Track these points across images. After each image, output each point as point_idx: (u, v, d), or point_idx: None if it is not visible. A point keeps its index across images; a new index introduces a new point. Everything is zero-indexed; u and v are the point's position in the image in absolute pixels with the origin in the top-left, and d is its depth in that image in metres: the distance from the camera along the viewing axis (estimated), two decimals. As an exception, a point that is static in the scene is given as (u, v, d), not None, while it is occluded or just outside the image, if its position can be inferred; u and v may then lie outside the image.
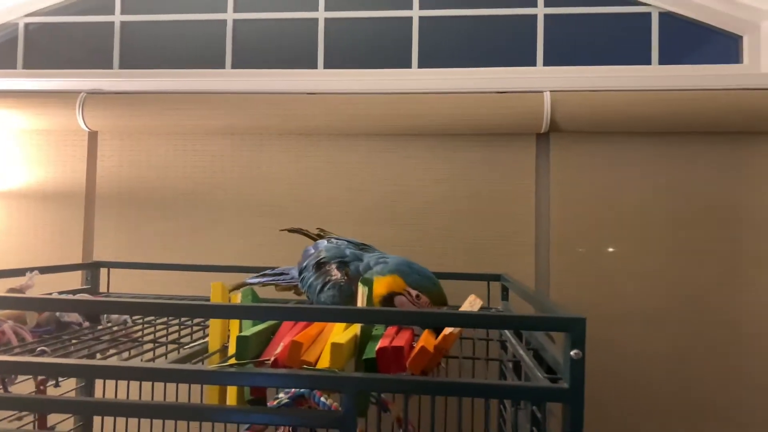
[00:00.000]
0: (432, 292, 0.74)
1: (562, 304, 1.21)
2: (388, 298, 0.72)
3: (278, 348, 0.64)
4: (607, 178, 1.24)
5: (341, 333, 0.65)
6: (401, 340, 0.62)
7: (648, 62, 1.30)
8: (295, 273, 0.94)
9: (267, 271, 1.02)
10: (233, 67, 1.40)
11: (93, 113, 1.30)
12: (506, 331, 0.88)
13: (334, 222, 1.27)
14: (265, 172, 1.31)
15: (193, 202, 1.32)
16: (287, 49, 1.40)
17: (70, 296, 0.85)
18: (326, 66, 1.37)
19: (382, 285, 0.71)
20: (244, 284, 0.99)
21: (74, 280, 1.25)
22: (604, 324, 1.21)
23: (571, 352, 0.53)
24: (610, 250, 1.23)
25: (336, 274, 0.79)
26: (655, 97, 1.19)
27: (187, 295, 1.18)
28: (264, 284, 0.99)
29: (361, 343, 0.65)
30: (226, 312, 0.59)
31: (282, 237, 1.27)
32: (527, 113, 1.21)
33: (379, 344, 0.60)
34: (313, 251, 0.87)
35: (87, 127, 1.32)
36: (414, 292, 0.73)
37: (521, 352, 0.73)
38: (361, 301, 0.67)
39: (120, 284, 1.21)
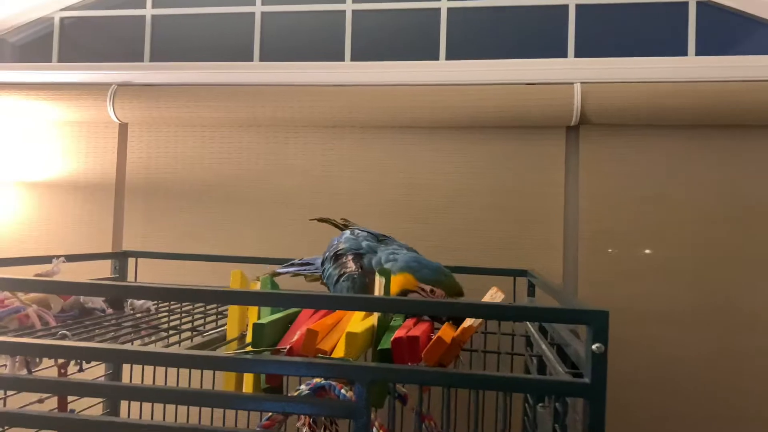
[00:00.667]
0: (445, 283, 0.72)
1: (588, 300, 1.18)
2: (400, 296, 0.71)
3: (294, 336, 0.63)
4: (639, 172, 1.20)
5: (358, 323, 0.64)
6: (417, 331, 0.61)
7: (684, 53, 1.25)
8: (319, 263, 0.94)
9: (294, 261, 1.03)
10: (261, 59, 1.40)
11: (123, 105, 1.32)
12: (530, 327, 0.86)
13: (357, 215, 1.27)
14: (290, 164, 1.31)
15: (219, 193, 1.33)
16: (314, 41, 1.40)
17: (93, 281, 0.86)
18: (353, 58, 1.37)
19: (393, 284, 0.70)
20: (275, 274, 1.01)
21: (104, 270, 1.27)
22: (634, 324, 1.18)
23: (593, 346, 0.51)
24: (641, 247, 1.19)
25: (351, 266, 0.79)
26: (690, 89, 1.15)
27: (210, 285, 1.19)
28: (293, 274, 1.00)
29: (377, 334, 0.64)
30: (242, 298, 0.59)
31: (306, 228, 1.28)
32: (557, 105, 1.18)
33: (395, 335, 0.59)
34: (335, 242, 0.88)
35: (117, 118, 1.34)
36: (427, 287, 0.71)
37: (543, 347, 0.71)
38: (378, 291, 0.66)
39: (147, 274, 1.23)
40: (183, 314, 0.91)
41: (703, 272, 1.17)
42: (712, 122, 1.17)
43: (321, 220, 1.00)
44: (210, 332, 0.73)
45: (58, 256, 0.89)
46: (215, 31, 1.44)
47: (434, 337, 0.59)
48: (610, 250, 1.19)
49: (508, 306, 0.52)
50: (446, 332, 0.61)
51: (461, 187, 1.25)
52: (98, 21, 1.49)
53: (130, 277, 1.22)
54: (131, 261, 1.22)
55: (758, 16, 1.23)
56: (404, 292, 0.70)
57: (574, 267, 1.22)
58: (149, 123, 1.36)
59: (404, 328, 0.62)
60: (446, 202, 1.25)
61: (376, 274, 0.67)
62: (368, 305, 0.55)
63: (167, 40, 1.46)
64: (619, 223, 1.20)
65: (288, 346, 0.60)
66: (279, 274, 1.01)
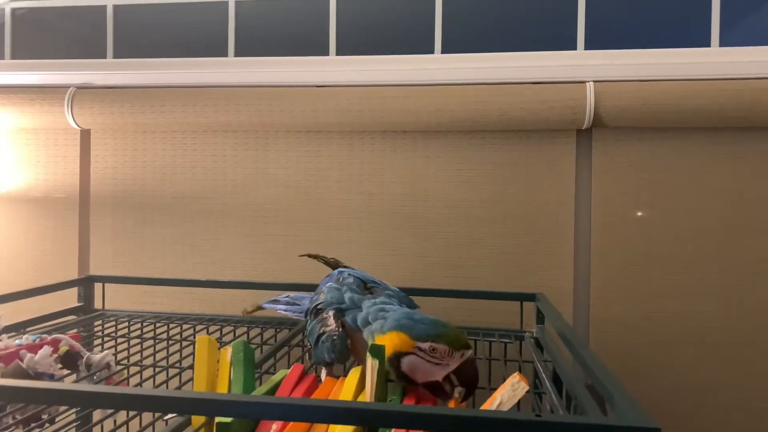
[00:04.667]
0: (446, 335, 0.60)
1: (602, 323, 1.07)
2: (394, 360, 0.59)
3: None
4: (658, 180, 1.09)
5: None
6: None
7: (707, 44, 1.13)
8: (306, 305, 0.83)
9: (280, 297, 0.93)
10: (236, 54, 1.27)
11: (83, 110, 1.18)
12: (545, 380, 0.76)
13: (346, 229, 1.15)
14: (271, 173, 1.19)
15: (194, 206, 1.21)
16: (295, 34, 1.26)
17: None
18: (339, 52, 1.23)
19: (386, 346, 0.59)
20: (259, 307, 0.96)
21: (69, 295, 1.15)
22: (652, 347, 1.08)
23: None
24: (661, 262, 1.08)
25: (331, 324, 0.67)
26: (715, 87, 1.03)
27: (188, 314, 1.08)
28: (278, 312, 0.92)
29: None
30: (201, 407, 0.47)
31: (289, 245, 1.16)
32: (567, 106, 1.05)
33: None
34: (321, 288, 0.77)
35: (78, 125, 1.20)
36: (425, 345, 0.59)
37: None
38: (370, 379, 0.55)
39: (118, 299, 1.11)
40: (156, 368, 0.80)
41: (730, 289, 1.07)
42: (740, 124, 1.05)
43: (310, 256, 0.90)
44: (169, 416, 0.61)
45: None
46: (185, 23, 1.29)
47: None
48: (630, 266, 1.08)
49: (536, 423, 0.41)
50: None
51: (460, 198, 1.13)
52: (55, 12, 1.34)
53: (98, 304, 1.10)
54: (98, 286, 1.10)
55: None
56: (398, 355, 0.59)
57: (585, 284, 1.11)
58: (113, 129, 1.22)
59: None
60: (443, 214, 1.14)
61: (368, 355, 0.55)
62: (363, 418, 0.44)
63: (131, 33, 1.31)
64: (635, 236, 1.09)
65: (262, 453, 0.49)
66: (264, 308, 0.93)
